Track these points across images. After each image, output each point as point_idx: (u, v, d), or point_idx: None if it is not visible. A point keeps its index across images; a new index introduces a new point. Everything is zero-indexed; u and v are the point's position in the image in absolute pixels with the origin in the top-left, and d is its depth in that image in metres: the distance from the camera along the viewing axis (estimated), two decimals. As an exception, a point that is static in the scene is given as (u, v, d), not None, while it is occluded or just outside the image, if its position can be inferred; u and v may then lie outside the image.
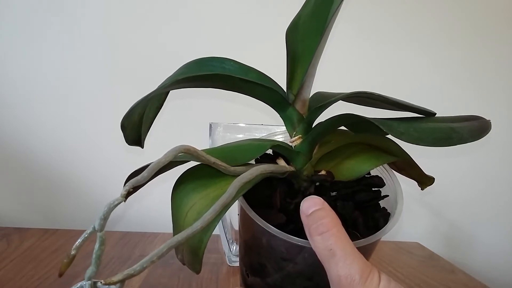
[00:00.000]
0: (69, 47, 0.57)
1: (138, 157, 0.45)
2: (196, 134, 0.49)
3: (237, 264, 0.41)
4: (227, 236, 0.47)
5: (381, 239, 0.26)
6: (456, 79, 0.65)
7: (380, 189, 0.29)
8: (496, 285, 0.66)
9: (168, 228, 0.23)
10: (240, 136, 0.45)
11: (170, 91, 0.27)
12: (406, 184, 0.32)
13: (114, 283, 0.17)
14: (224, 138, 0.44)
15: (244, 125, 0.44)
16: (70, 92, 0.58)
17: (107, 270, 0.44)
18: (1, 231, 0.53)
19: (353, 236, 0.25)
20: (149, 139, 0.31)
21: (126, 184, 0.18)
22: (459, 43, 0.64)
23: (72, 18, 0.57)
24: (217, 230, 0.47)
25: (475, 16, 0.64)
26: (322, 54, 0.26)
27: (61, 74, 0.58)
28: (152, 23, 0.58)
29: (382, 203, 0.29)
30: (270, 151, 0.30)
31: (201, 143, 0.38)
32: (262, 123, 0.43)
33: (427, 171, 0.30)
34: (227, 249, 0.47)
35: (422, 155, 0.30)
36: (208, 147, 0.43)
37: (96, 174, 0.61)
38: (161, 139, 0.45)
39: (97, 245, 0.17)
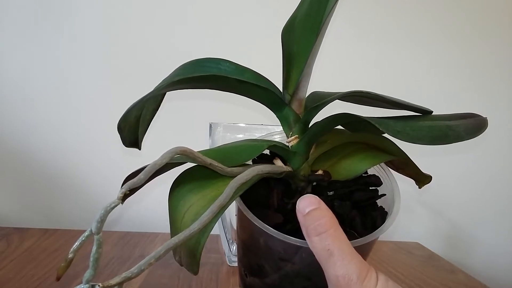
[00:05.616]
0: (70, 47, 0.58)
1: (138, 158, 0.45)
2: (197, 134, 0.49)
3: (237, 264, 0.41)
4: (227, 236, 0.47)
5: (381, 239, 0.26)
6: (456, 79, 0.65)
7: (377, 188, 0.29)
8: (496, 285, 0.66)
9: (169, 228, 0.23)
10: (240, 136, 0.45)
11: (168, 92, 0.27)
12: (407, 184, 0.32)
13: (112, 286, 0.17)
14: (224, 138, 0.44)
15: (244, 125, 0.44)
16: (70, 92, 0.59)
17: (108, 270, 0.44)
18: (1, 231, 0.53)
19: (351, 236, 0.25)
20: (149, 140, 0.30)
21: (123, 187, 0.18)
22: (458, 42, 0.64)
23: (73, 18, 0.57)
24: (217, 229, 0.47)
25: (475, 16, 0.64)
26: (318, 53, 0.26)
27: (62, 74, 0.58)
28: (155, 23, 0.58)
29: (379, 202, 0.29)
30: (267, 151, 0.30)
31: (201, 144, 0.38)
32: (261, 123, 0.43)
33: (426, 170, 0.30)
34: (227, 249, 0.47)
35: (423, 154, 0.30)
36: (209, 147, 0.44)
37: (96, 174, 0.61)
38: (162, 139, 0.45)
39: (94, 248, 0.17)
